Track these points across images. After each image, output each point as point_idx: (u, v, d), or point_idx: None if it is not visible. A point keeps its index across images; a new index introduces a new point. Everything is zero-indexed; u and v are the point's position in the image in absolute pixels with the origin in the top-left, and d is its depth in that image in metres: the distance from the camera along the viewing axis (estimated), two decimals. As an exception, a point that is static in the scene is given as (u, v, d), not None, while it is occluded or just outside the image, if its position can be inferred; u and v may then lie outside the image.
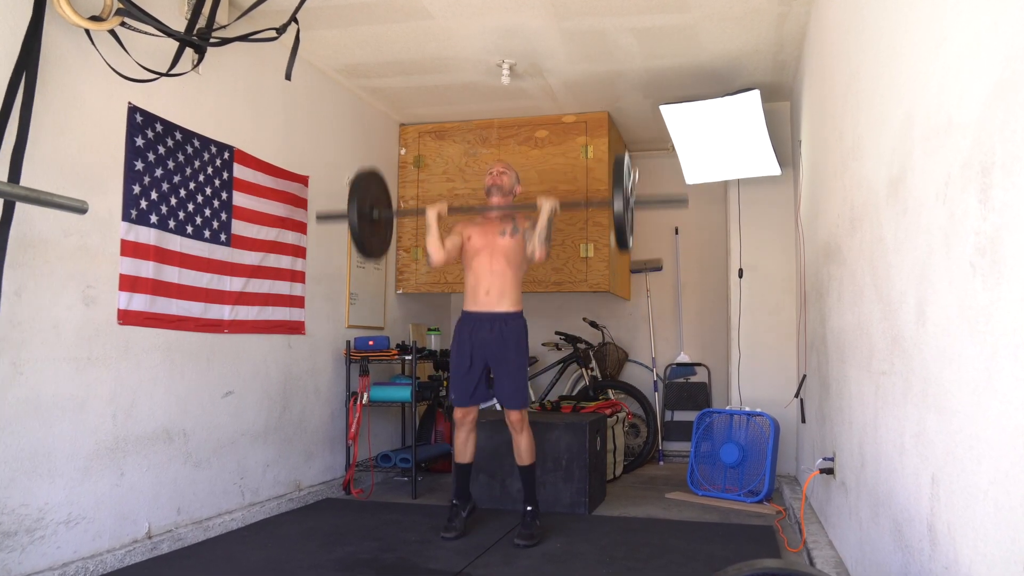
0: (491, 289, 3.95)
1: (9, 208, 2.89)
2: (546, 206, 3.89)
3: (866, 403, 2.61)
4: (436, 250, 3.95)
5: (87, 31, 3.21)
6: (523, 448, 4.01)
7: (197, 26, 3.60)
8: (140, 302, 3.55)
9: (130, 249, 3.50)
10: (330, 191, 5.14)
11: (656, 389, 6.69)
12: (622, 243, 3.88)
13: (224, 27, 3.79)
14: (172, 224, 3.74)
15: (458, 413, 4.02)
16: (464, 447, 4.07)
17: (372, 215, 4.03)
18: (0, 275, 2.84)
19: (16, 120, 2.93)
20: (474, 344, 3.96)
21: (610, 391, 6.32)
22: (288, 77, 3.72)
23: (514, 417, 3.96)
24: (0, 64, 2.92)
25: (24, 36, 2.98)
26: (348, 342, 5.16)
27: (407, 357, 5.08)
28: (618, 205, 3.70)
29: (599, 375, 6.50)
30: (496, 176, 4.11)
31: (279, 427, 4.55)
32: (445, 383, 5.54)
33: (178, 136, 3.79)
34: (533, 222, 3.96)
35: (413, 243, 6.08)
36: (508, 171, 4.14)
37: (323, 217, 4.17)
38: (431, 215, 3.95)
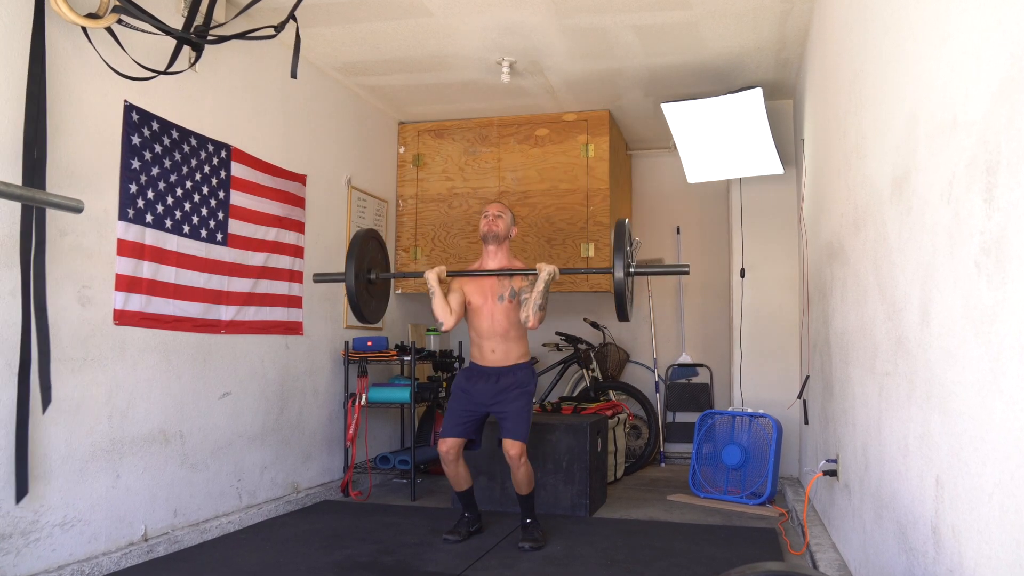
0: (496, 349, 3.94)
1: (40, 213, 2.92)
2: (544, 272, 3.78)
3: (870, 404, 2.60)
4: (445, 314, 3.86)
5: (83, 28, 3.19)
6: (521, 479, 3.87)
7: (194, 24, 3.58)
8: (136, 302, 3.52)
9: (126, 249, 3.47)
10: (328, 190, 5.12)
11: (657, 390, 6.66)
12: (622, 315, 3.68)
13: (222, 25, 3.77)
14: (169, 224, 3.71)
15: (443, 446, 3.86)
16: (457, 478, 3.95)
17: (370, 277, 3.97)
18: (43, 284, 2.92)
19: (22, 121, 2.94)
20: (477, 390, 3.91)
21: (611, 392, 6.29)
22: (294, 75, 3.70)
23: (513, 451, 3.77)
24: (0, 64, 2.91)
25: (31, 37, 2.98)
26: (346, 343, 5.14)
27: (406, 358, 5.05)
28: (619, 273, 3.50)
29: (600, 376, 6.47)
30: (491, 221, 3.97)
31: (277, 428, 4.53)
32: (444, 384, 5.51)
33: (175, 134, 3.76)
34: (531, 282, 3.87)
35: (412, 243, 6.05)
36: (504, 215, 4.00)
37: (321, 278, 4.06)
38: (431, 278, 3.87)
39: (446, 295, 3.91)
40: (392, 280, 4.33)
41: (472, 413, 3.91)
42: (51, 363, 3.09)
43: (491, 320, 3.93)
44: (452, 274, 4.03)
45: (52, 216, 3.10)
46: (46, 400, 3.01)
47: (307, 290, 4.82)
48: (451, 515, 4.26)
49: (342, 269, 5.23)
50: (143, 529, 3.55)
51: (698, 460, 5.13)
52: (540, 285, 3.78)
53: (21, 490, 2.90)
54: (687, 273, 3.79)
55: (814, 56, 4.17)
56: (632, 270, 3.64)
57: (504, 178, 5.91)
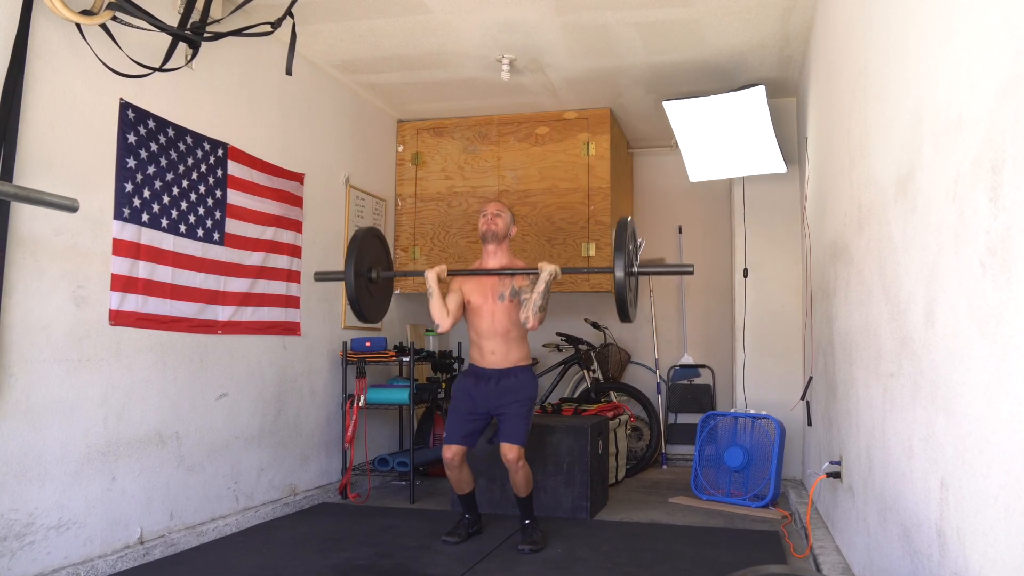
0: (496, 350, 3.89)
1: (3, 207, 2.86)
2: (545, 272, 3.75)
3: (874, 406, 2.58)
4: (442, 316, 3.81)
5: (78, 26, 3.17)
6: (519, 482, 3.85)
7: (191, 20, 3.56)
8: (132, 302, 3.49)
9: (122, 248, 3.45)
10: (326, 189, 5.09)
11: (659, 391, 6.62)
12: (623, 315, 3.61)
13: (218, 21, 3.74)
14: (165, 223, 3.68)
15: (447, 452, 3.81)
16: (460, 482, 3.93)
17: (370, 275, 3.95)
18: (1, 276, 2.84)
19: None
20: (478, 392, 3.87)
21: (612, 393, 6.25)
22: (289, 72, 3.68)
23: (511, 454, 3.73)
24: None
25: (16, 33, 2.94)
26: (344, 343, 5.10)
27: (405, 359, 5.02)
28: (619, 273, 3.44)
29: (601, 377, 6.43)
30: (490, 220, 3.93)
31: (274, 430, 4.50)
32: (444, 385, 5.48)
33: (171, 133, 3.73)
34: (532, 282, 3.84)
35: (411, 243, 6.02)
36: (502, 213, 3.97)
37: (321, 277, 4.03)
38: (431, 277, 3.82)
39: (444, 296, 3.87)
40: (391, 291, 4.29)
41: (475, 417, 3.87)
42: (43, 365, 3.07)
43: (491, 320, 3.89)
44: (453, 273, 4.00)
45: (47, 215, 3.07)
46: None
47: (305, 290, 4.79)
48: (451, 517, 4.23)
49: (342, 268, 5.22)
50: (139, 532, 3.52)
51: (700, 462, 5.09)
52: (541, 285, 3.75)
53: None
54: (691, 273, 3.74)
55: (817, 53, 4.14)
56: (634, 270, 3.58)
57: (504, 177, 5.88)
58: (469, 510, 4.03)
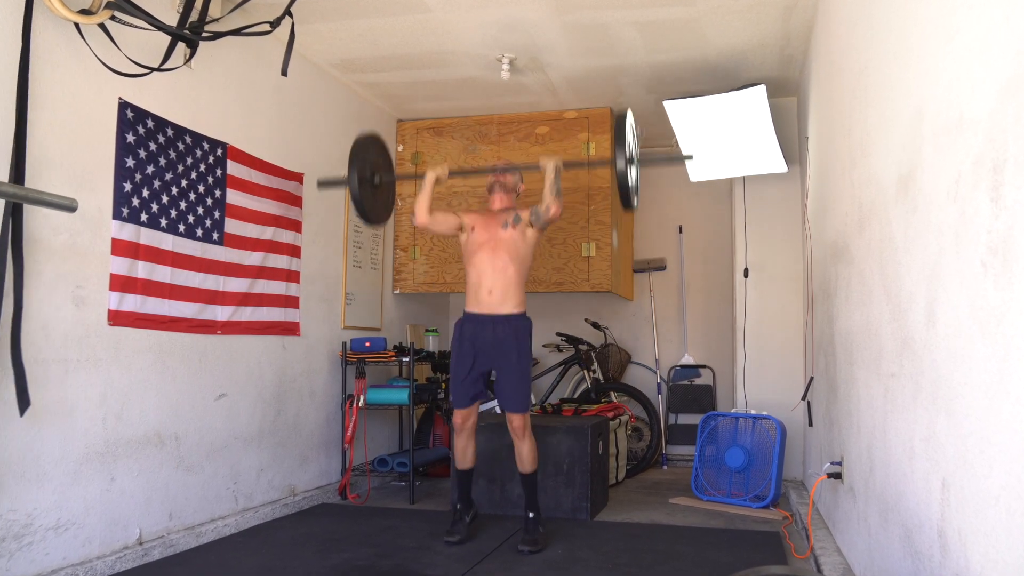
0: (493, 289, 3.89)
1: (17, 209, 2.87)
2: (549, 165, 3.89)
3: (875, 406, 2.57)
4: (422, 210, 3.93)
5: (76, 25, 3.16)
6: (525, 455, 3.93)
7: (189, 20, 3.55)
8: (131, 302, 3.49)
9: (121, 248, 3.44)
10: (326, 189, 5.07)
11: (660, 391, 6.61)
12: (626, 203, 3.81)
13: (217, 20, 3.73)
14: (164, 223, 3.67)
15: (457, 417, 3.94)
16: (464, 453, 4.00)
17: (373, 180, 4.00)
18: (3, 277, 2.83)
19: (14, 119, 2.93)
20: (475, 346, 3.89)
21: (612, 394, 6.24)
22: (284, 72, 3.67)
23: (516, 423, 3.87)
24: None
25: (21, 35, 2.95)
26: (344, 343, 5.09)
27: (404, 359, 5.01)
28: (620, 164, 3.65)
29: (601, 377, 6.42)
30: (500, 175, 4.10)
31: (273, 431, 4.49)
32: (444, 385, 5.47)
33: (170, 132, 3.73)
34: (533, 209, 3.93)
35: (411, 243, 6.01)
36: (512, 171, 4.14)
37: (324, 183, 4.16)
38: (430, 176, 3.96)
39: (434, 208, 3.99)
40: (394, 194, 4.39)
41: (477, 378, 3.92)
42: (42, 365, 3.06)
43: (493, 252, 3.90)
44: (455, 173, 4.13)
45: (46, 215, 3.07)
46: (23, 404, 2.91)
47: (304, 290, 4.78)
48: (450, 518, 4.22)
49: (340, 268, 5.21)
50: (138, 532, 3.51)
51: (701, 462, 5.08)
52: (549, 176, 3.87)
53: None
54: (691, 158, 3.85)
55: (818, 52, 4.13)
56: (635, 159, 3.73)
57: (505, 177, 5.87)
58: (463, 496, 4.03)
